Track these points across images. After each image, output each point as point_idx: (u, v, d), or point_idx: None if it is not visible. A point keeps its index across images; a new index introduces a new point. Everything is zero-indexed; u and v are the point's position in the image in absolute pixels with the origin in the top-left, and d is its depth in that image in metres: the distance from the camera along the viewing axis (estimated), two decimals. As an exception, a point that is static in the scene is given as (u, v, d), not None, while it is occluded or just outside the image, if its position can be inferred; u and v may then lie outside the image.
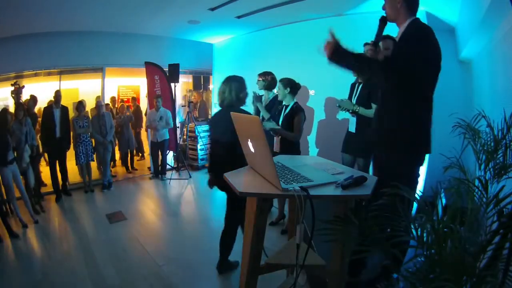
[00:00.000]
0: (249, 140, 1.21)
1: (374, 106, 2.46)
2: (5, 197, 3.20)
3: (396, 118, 1.55)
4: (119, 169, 5.66)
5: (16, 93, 3.86)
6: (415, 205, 0.88)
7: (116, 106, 5.80)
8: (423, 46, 1.45)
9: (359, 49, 2.96)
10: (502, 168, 1.00)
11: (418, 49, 1.43)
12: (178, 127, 5.54)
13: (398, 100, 1.54)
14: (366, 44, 2.78)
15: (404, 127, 1.54)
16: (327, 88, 3.56)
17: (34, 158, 3.75)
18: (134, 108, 6.07)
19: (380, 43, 1.88)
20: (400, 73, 1.43)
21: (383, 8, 1.60)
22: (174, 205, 4.04)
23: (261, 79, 3.16)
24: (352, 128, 2.69)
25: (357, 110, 2.56)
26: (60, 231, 3.22)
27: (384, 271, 1.82)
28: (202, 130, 5.57)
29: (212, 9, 3.60)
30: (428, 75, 1.50)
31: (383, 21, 1.59)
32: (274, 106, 3.03)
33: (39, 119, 4.21)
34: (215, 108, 5.54)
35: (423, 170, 3.00)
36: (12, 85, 3.91)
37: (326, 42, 1.56)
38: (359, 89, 2.63)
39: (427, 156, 3.07)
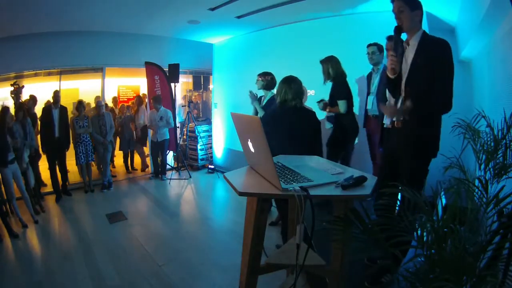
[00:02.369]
0: (249, 140, 1.21)
1: (340, 103, 2.83)
2: (5, 197, 3.20)
3: (422, 120, 1.66)
4: (119, 169, 5.66)
5: (16, 93, 3.86)
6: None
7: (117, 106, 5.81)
8: (452, 60, 1.63)
9: (359, 49, 2.99)
10: (502, 168, 1.01)
11: (452, 61, 1.62)
12: (178, 127, 5.55)
13: (426, 105, 1.65)
14: (369, 45, 2.82)
15: (429, 128, 1.67)
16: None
17: (34, 158, 3.75)
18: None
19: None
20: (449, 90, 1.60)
21: (397, 18, 1.68)
22: (174, 205, 4.04)
23: (260, 79, 3.17)
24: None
25: (326, 111, 3.00)
26: (60, 231, 3.22)
27: (384, 270, 1.84)
28: (202, 130, 5.57)
29: (212, 9, 3.60)
30: None
31: (398, 31, 1.67)
32: (272, 105, 3.04)
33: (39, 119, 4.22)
34: (216, 109, 5.54)
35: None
36: (11, 85, 3.91)
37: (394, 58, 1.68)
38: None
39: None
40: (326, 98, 3.04)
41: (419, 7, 1.65)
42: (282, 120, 2.14)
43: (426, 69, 1.60)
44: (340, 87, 2.87)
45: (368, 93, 2.98)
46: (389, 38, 2.52)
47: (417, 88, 1.63)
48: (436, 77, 1.58)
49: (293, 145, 2.09)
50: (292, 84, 2.17)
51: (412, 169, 1.72)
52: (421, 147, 1.69)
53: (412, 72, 1.67)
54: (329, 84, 3.01)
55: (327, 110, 2.99)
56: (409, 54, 1.69)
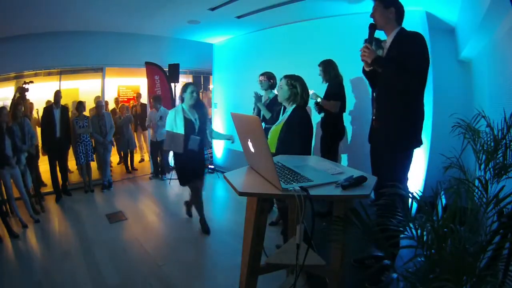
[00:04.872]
0: (249, 140, 1.21)
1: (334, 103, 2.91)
2: (5, 197, 3.20)
3: (401, 113, 1.77)
4: (119, 169, 5.66)
5: (21, 91, 3.83)
6: (414, 204, 0.88)
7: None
8: (426, 48, 1.67)
9: (358, 47, 2.97)
10: (502, 168, 1.00)
11: (424, 51, 1.66)
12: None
13: (403, 97, 1.75)
14: (366, 40, 2.80)
15: (407, 121, 1.76)
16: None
17: (33, 159, 3.74)
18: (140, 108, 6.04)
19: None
20: (417, 74, 1.65)
21: (371, 16, 1.79)
22: (174, 205, 4.04)
23: (264, 79, 3.16)
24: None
25: (319, 101, 2.97)
26: (60, 231, 3.22)
27: (382, 267, 1.87)
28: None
29: (212, 9, 3.60)
30: (427, 72, 1.73)
31: (372, 28, 1.79)
32: (274, 106, 3.04)
33: (34, 118, 4.21)
34: (216, 109, 5.54)
35: (423, 170, 3.00)
36: (24, 82, 3.87)
37: (366, 49, 1.74)
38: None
39: (427, 156, 3.09)
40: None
41: (393, 4, 1.73)
42: (310, 121, 2.10)
43: (397, 61, 1.67)
44: (335, 89, 2.96)
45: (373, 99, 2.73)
46: (366, 41, 2.56)
47: (389, 80, 1.73)
48: (404, 66, 1.64)
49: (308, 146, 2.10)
50: (304, 82, 2.15)
51: (389, 163, 1.80)
52: (395, 140, 1.77)
53: (383, 60, 1.76)
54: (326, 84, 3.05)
55: (321, 102, 2.98)
56: (385, 51, 1.80)
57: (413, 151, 1.83)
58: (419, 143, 1.81)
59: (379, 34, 1.90)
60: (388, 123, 1.82)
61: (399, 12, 1.74)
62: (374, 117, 1.95)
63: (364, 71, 1.91)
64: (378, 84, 1.89)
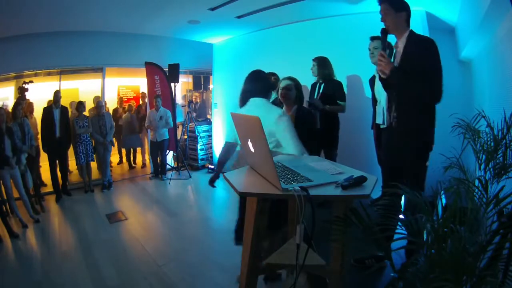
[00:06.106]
0: (249, 140, 1.21)
1: (343, 104, 2.89)
2: (5, 197, 3.20)
3: (415, 118, 1.72)
4: (119, 169, 5.66)
5: (21, 91, 3.83)
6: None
7: (123, 106, 5.83)
8: (439, 55, 1.64)
9: (358, 46, 2.98)
10: (502, 168, 1.01)
11: (439, 58, 1.64)
12: (178, 127, 5.55)
13: (416, 104, 1.71)
14: (373, 38, 2.74)
15: (421, 125, 1.72)
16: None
17: (34, 159, 3.74)
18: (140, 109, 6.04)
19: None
20: (434, 84, 1.63)
21: (382, 21, 1.73)
22: (174, 205, 4.04)
23: None
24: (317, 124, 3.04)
25: (327, 108, 2.84)
26: (60, 231, 3.22)
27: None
28: (202, 130, 5.57)
29: (212, 9, 3.60)
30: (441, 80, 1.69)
31: (384, 33, 1.72)
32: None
33: (34, 119, 4.21)
34: (216, 109, 5.54)
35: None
36: (24, 82, 3.88)
37: (382, 57, 1.69)
38: (321, 89, 2.96)
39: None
40: None
41: (404, 8, 1.70)
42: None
43: (412, 69, 1.63)
44: (340, 89, 2.94)
45: (374, 102, 2.56)
46: (372, 38, 2.52)
47: (405, 88, 1.69)
48: (423, 76, 1.61)
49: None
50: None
51: (415, 168, 1.75)
52: (419, 144, 1.72)
53: (400, 73, 1.70)
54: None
55: (329, 109, 2.89)
56: (398, 56, 1.74)
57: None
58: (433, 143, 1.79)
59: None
60: (408, 127, 1.74)
61: (409, 15, 1.71)
62: (391, 121, 1.85)
63: (379, 76, 1.85)
64: (394, 88, 1.80)
